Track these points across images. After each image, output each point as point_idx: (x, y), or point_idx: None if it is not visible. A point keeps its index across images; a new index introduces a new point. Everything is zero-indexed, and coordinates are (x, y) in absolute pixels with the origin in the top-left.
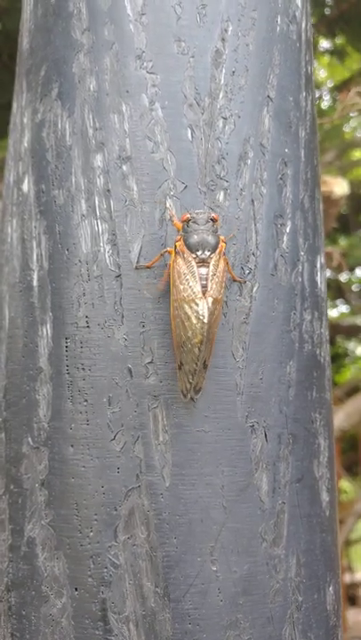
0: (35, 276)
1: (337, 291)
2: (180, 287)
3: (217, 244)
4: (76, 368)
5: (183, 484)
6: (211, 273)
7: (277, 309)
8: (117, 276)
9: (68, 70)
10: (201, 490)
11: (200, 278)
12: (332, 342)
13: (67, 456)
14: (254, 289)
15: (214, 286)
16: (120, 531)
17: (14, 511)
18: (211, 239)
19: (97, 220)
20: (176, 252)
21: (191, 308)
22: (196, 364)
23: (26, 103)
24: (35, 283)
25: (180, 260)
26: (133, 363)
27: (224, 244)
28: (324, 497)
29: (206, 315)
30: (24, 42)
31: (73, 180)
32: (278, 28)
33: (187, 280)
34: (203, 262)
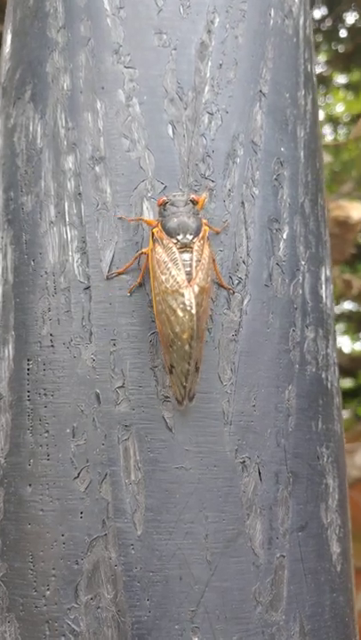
0: None
1: (360, 323)
2: (161, 278)
3: (199, 227)
4: (38, 394)
5: (158, 533)
6: (195, 259)
7: (273, 325)
8: (86, 288)
9: (41, 70)
10: (180, 540)
11: (183, 265)
12: (356, 375)
13: (24, 497)
14: (245, 301)
15: (200, 274)
16: (82, 590)
17: None
18: (192, 222)
19: (66, 226)
20: (154, 240)
21: (176, 300)
22: (189, 363)
23: (0, 109)
24: None
25: (158, 249)
26: (102, 387)
27: (208, 228)
28: (335, 548)
29: (194, 305)
30: (4, 48)
31: (42, 185)
32: (272, 22)
33: (168, 269)
34: (185, 247)
